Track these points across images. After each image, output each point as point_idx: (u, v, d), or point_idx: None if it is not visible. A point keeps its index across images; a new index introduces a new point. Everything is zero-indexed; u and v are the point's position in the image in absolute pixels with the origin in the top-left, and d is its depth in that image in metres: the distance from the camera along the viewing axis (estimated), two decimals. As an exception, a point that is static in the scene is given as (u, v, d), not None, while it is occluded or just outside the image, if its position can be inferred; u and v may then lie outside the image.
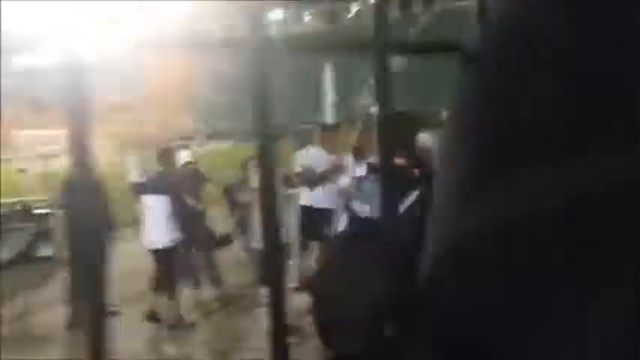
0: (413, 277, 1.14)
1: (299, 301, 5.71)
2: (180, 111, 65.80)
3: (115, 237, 6.00)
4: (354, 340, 2.08)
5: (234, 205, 6.15)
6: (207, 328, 5.41)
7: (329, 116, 12.80)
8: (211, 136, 45.13)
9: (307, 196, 6.15)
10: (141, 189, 5.54)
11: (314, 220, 5.87)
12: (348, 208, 2.35)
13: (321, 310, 2.22)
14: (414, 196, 2.14)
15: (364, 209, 2.25)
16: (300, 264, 6.33)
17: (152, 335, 5.28)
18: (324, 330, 2.21)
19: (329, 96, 13.46)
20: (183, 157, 7.00)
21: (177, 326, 5.24)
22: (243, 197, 5.76)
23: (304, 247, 6.33)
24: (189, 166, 6.79)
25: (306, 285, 6.12)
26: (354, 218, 2.29)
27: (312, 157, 6.26)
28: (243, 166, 5.99)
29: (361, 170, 4.90)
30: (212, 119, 61.50)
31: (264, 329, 4.92)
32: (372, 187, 2.24)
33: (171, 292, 5.07)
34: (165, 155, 5.28)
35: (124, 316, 5.52)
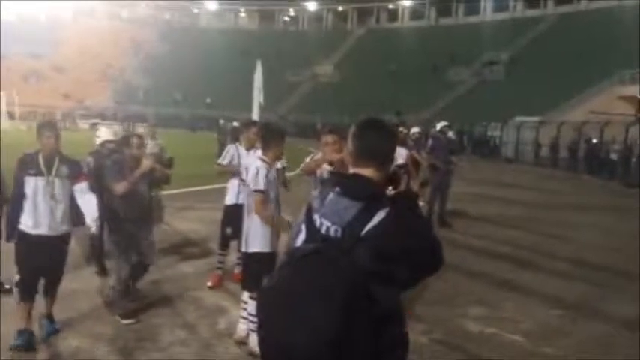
0: (363, 303, 1.45)
1: (211, 299, 5.60)
2: (96, 86, 62.66)
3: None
4: None
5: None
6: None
7: (255, 116, 12.60)
8: (126, 118, 43.63)
9: (233, 195, 6.00)
10: None
11: (237, 218, 5.68)
12: (308, 220, 2.11)
13: (263, 339, 1.99)
14: (381, 215, 1.92)
15: (325, 224, 2.02)
16: (218, 262, 6.17)
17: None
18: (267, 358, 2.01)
19: (257, 94, 13.28)
20: (103, 134, 6.62)
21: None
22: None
23: (223, 245, 6.17)
24: (108, 145, 6.41)
25: (217, 283, 5.98)
26: (312, 232, 2.07)
27: (240, 154, 6.11)
28: None
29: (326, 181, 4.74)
30: (128, 101, 59.02)
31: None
32: (336, 202, 2.04)
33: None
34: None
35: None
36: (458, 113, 33.72)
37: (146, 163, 5.05)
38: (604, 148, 22.87)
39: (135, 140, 5.16)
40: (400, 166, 2.18)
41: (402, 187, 2.14)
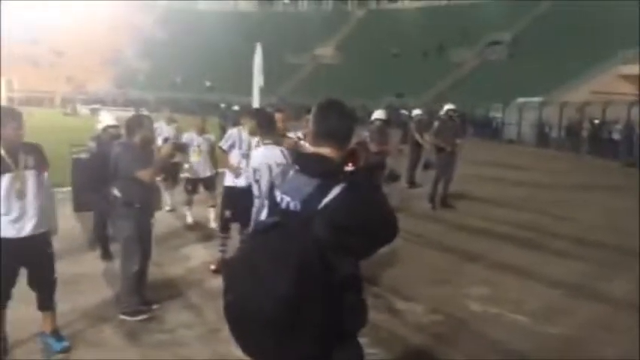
0: (319, 273, 1.63)
1: (215, 283, 5.62)
2: (97, 71, 62.30)
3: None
4: (259, 341, 2.05)
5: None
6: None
7: (256, 100, 12.57)
8: (126, 103, 43.49)
9: (231, 176, 6.01)
10: None
11: (236, 201, 5.74)
12: (270, 196, 2.24)
13: (228, 305, 2.11)
14: (337, 189, 2.03)
15: (285, 199, 2.14)
16: (220, 245, 6.17)
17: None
18: (232, 327, 2.13)
19: (257, 78, 13.21)
20: (105, 119, 6.62)
21: None
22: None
23: (225, 228, 6.17)
24: (110, 130, 6.41)
25: (221, 269, 5.98)
26: (274, 207, 2.19)
27: (242, 138, 6.12)
28: None
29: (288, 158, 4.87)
30: (128, 85, 58.77)
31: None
32: (296, 178, 2.16)
33: None
34: None
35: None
36: (460, 95, 33.54)
37: (167, 147, 4.94)
38: (606, 128, 22.79)
39: (147, 121, 4.91)
40: (359, 144, 2.29)
41: (361, 163, 2.23)
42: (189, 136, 7.97)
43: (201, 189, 8.18)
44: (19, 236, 3.74)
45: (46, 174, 3.92)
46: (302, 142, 5.36)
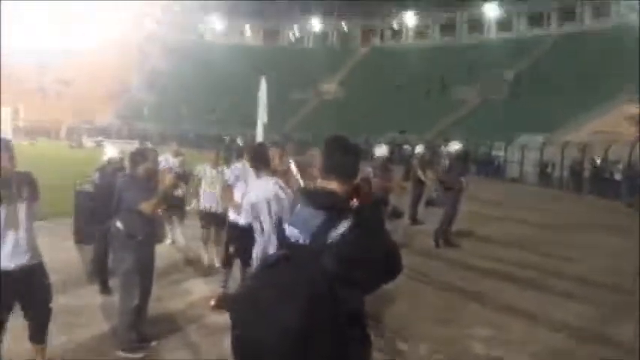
0: (328, 305, 1.64)
1: (215, 319, 5.55)
2: (103, 103, 62.12)
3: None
4: None
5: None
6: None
7: (259, 135, 12.65)
8: (130, 135, 43.67)
9: (235, 212, 5.99)
10: None
11: (239, 237, 5.70)
12: (279, 230, 2.31)
13: (235, 339, 2.14)
14: (344, 225, 2.10)
15: (293, 233, 2.20)
16: (222, 281, 6.12)
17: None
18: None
19: (261, 113, 13.34)
20: (110, 152, 6.64)
21: None
22: None
23: (227, 264, 6.14)
24: (114, 162, 6.42)
25: (220, 304, 5.90)
26: (282, 240, 2.26)
27: (247, 171, 6.12)
28: None
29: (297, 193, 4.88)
30: (133, 117, 59.00)
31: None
32: (304, 212, 2.23)
33: None
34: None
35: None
36: (462, 132, 33.70)
37: (169, 177, 4.80)
38: (608, 168, 22.80)
39: (150, 154, 4.94)
40: (363, 180, 2.41)
41: (365, 198, 2.31)
42: (202, 169, 7.79)
43: None
44: (14, 267, 3.65)
45: (36, 204, 3.80)
46: (292, 166, 5.27)
